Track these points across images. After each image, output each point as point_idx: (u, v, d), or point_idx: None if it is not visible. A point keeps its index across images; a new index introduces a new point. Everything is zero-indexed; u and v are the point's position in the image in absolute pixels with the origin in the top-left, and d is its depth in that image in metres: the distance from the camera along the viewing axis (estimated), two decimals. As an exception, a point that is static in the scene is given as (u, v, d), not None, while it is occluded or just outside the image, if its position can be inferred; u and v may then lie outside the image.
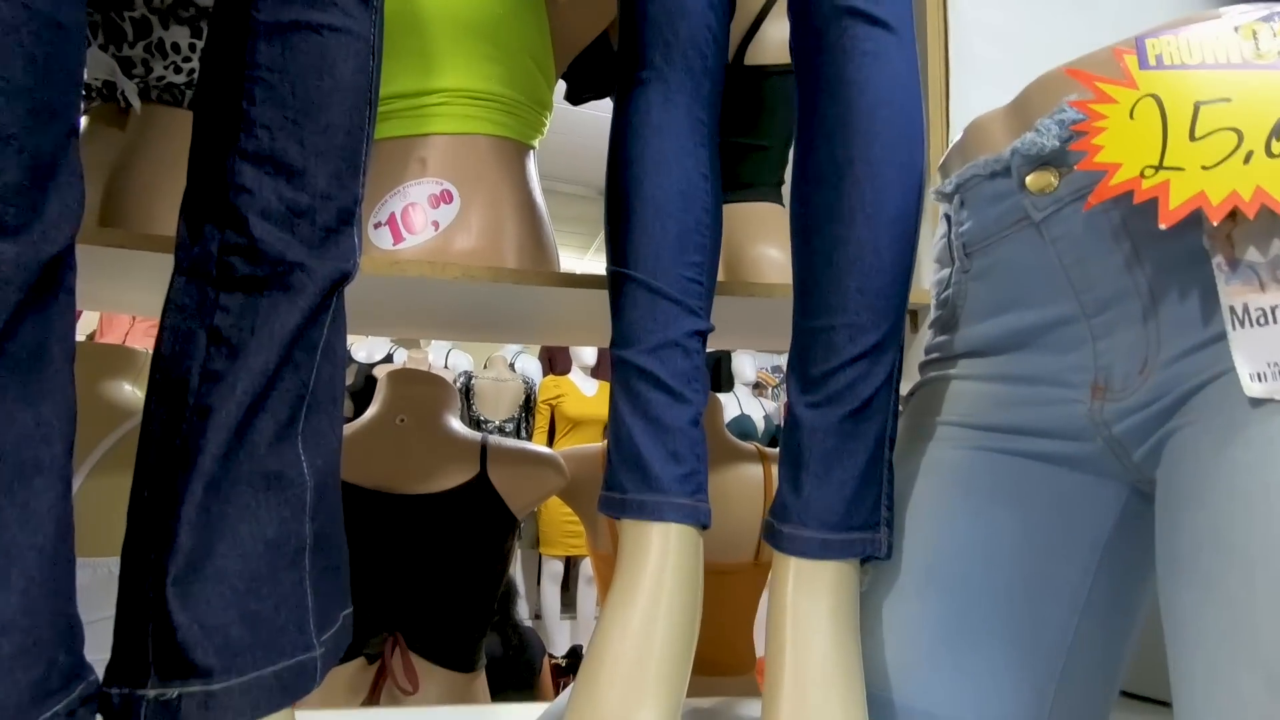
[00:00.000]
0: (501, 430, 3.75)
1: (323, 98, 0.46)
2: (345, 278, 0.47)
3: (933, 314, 0.64)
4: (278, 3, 0.45)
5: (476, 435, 0.92)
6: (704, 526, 0.56)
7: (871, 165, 0.54)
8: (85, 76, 0.81)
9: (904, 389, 0.59)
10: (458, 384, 3.61)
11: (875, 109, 0.54)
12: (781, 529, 0.52)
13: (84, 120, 0.80)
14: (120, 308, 1.18)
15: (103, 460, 0.77)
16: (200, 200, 0.45)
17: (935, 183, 0.65)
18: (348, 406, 3.17)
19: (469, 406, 3.69)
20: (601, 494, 0.59)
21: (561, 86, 1.03)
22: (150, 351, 0.47)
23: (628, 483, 0.56)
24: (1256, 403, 0.38)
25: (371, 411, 0.91)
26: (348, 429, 0.91)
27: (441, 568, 0.86)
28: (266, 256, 0.43)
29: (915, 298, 0.64)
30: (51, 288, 0.38)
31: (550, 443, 3.66)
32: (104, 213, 0.73)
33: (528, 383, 3.81)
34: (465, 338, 1.08)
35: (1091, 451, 0.50)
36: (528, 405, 3.82)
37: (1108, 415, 0.48)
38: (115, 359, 0.84)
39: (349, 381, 3.12)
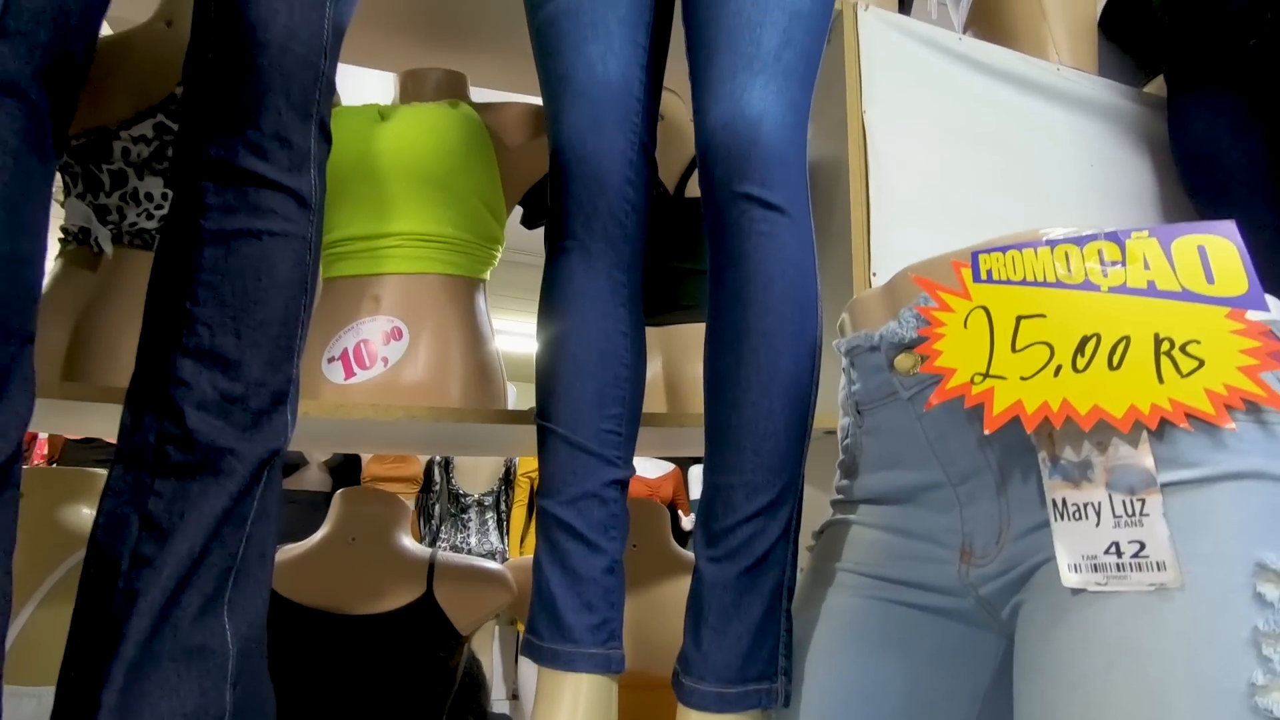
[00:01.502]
0: (481, 504, 3.74)
1: (260, 295, 0.51)
2: (276, 454, 0.52)
3: (840, 455, 0.69)
4: (222, 214, 0.51)
5: (425, 553, 0.95)
6: (616, 672, 0.59)
7: (765, 336, 0.60)
8: (63, 222, 0.87)
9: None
10: (437, 457, 3.61)
11: (769, 284, 0.61)
12: (684, 681, 0.56)
13: (58, 263, 0.85)
14: (76, 433, 1.21)
15: (53, 590, 0.79)
16: (143, 391, 0.50)
17: (848, 329, 0.71)
18: (323, 480, 3.16)
19: (449, 480, 3.69)
20: (524, 636, 0.62)
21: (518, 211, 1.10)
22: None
23: (544, 630, 0.59)
24: (1075, 590, 0.42)
25: (324, 530, 0.94)
26: (299, 547, 0.94)
27: (386, 687, 0.87)
28: (199, 445, 0.48)
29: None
30: None
31: (530, 515, 3.65)
32: (69, 357, 0.78)
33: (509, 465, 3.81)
34: (419, 453, 1.12)
35: (967, 608, 0.54)
36: (507, 478, 3.82)
37: (974, 578, 0.52)
38: (73, 483, 0.87)
39: (327, 458, 3.12)
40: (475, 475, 3.71)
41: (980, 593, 0.52)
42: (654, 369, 1.05)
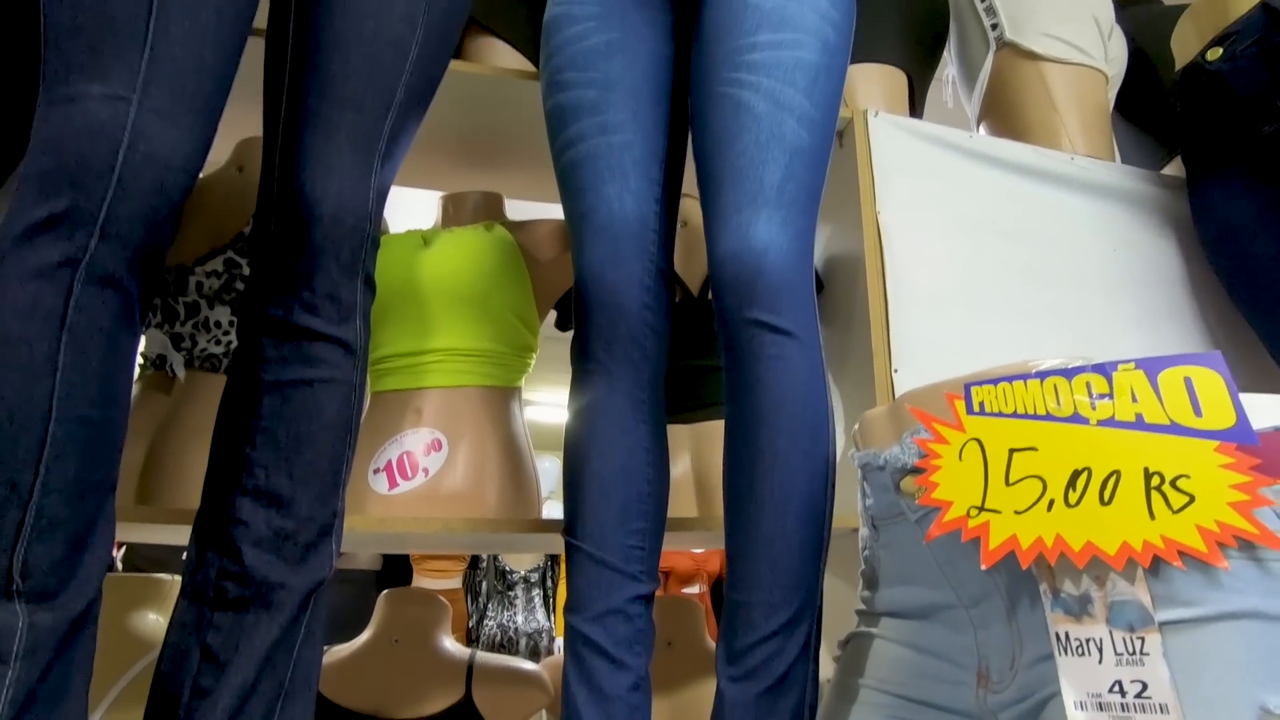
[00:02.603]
0: (527, 580, 3.74)
1: (311, 437, 0.57)
2: (322, 584, 0.56)
3: (862, 565, 0.71)
4: (279, 366, 0.57)
5: (465, 655, 0.97)
6: (643, 792, 0.60)
7: (779, 456, 0.63)
8: (142, 350, 0.97)
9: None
10: (483, 535, 3.63)
11: (780, 405, 0.64)
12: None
13: (137, 387, 0.95)
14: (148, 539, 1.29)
15: (120, 697, 0.84)
16: (207, 529, 0.55)
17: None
18: (374, 559, 3.21)
19: (495, 557, 3.71)
20: (555, 753, 0.64)
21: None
22: (177, 579, 0.55)
23: (572, 751, 0.61)
24: (1084, 728, 0.43)
25: (369, 633, 0.98)
26: (346, 649, 0.98)
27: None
28: (254, 580, 0.53)
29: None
30: (78, 633, 0.47)
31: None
32: (143, 476, 0.86)
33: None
34: (460, 552, 1.16)
35: None
36: (553, 554, 3.82)
37: (992, 704, 0.52)
38: (141, 590, 0.94)
39: (369, 565, 3.17)
40: (521, 552, 3.73)
41: (999, 718, 0.52)
42: (682, 466, 1.07)
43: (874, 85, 1.19)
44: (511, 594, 3.72)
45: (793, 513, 0.61)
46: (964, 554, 0.53)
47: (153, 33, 0.49)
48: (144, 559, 1.90)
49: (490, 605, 3.58)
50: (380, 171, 0.62)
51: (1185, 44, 1.15)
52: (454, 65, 1.03)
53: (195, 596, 0.53)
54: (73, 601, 0.46)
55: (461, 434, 0.90)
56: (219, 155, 1.05)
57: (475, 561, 3.71)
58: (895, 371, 0.98)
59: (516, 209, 1.16)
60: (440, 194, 1.15)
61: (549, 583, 3.70)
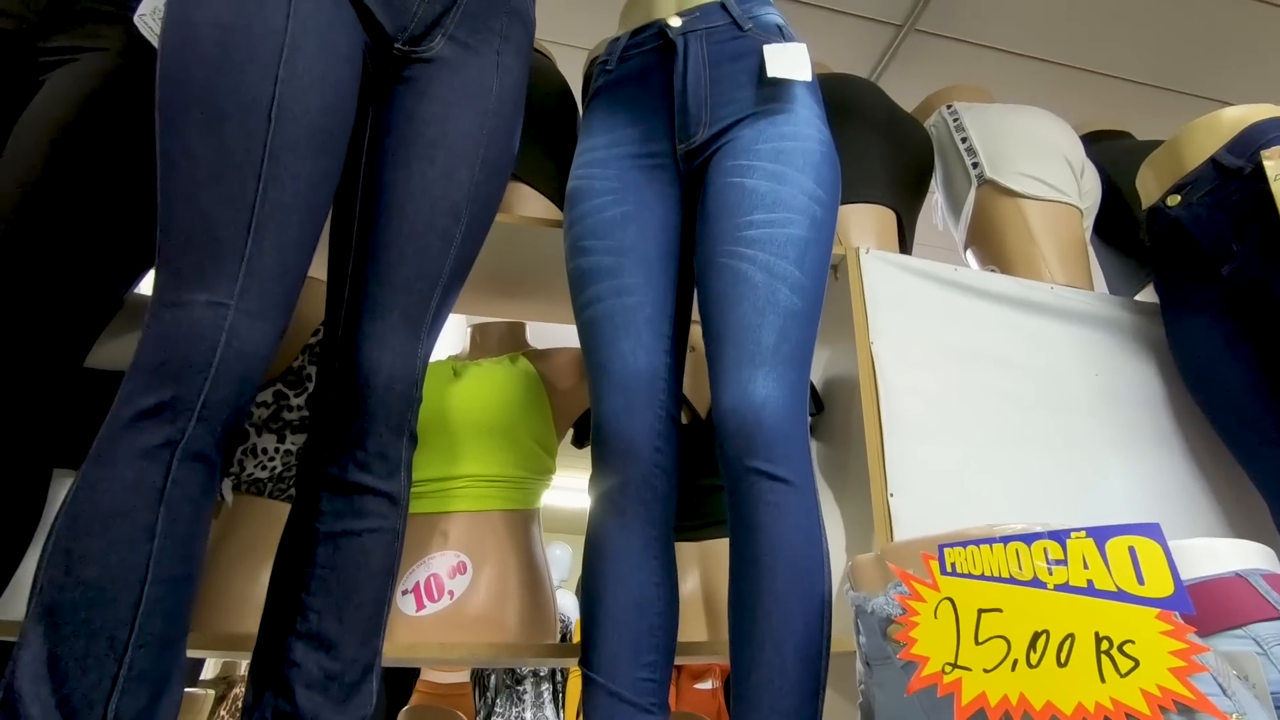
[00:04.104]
0: (536, 675, 3.68)
1: (359, 583, 0.64)
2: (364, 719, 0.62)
3: (860, 698, 0.75)
4: (333, 518, 0.65)
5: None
6: None
7: (777, 598, 0.69)
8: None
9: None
10: (493, 628, 3.59)
11: (777, 549, 0.70)
12: None
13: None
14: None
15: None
16: (264, 669, 0.62)
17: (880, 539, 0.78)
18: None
19: (505, 650, 3.65)
20: None
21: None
22: (210, 693, 0.60)
23: None
24: None
25: (389, 750, 1.02)
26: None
27: None
28: (305, 719, 0.59)
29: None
30: None
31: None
32: (191, 599, 0.92)
33: (563, 621, 3.79)
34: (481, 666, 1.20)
35: None
36: (564, 640, 3.76)
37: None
38: (186, 706, 0.98)
39: None
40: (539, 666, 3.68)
41: None
42: (691, 583, 1.13)
43: (865, 224, 1.30)
44: (520, 689, 3.65)
45: (791, 652, 0.66)
46: (945, 705, 0.59)
47: (249, 248, 0.59)
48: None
49: (499, 700, 3.51)
50: (426, 342, 0.72)
51: (1147, 188, 1.26)
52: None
53: (252, 734, 0.59)
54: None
55: (485, 556, 0.97)
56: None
57: (484, 655, 3.65)
58: (891, 496, 1.05)
59: (539, 332, 1.27)
60: (469, 321, 1.26)
61: (558, 677, 3.64)
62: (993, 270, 1.35)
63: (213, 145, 0.59)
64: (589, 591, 0.78)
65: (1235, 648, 0.65)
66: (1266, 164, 1.04)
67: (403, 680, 2.48)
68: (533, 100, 0.90)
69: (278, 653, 0.61)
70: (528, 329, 1.24)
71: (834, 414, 1.23)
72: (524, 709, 3.70)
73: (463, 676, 3.74)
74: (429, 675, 3.46)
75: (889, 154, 1.36)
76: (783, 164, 0.82)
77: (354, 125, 0.70)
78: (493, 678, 3.82)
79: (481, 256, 1.24)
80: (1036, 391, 1.20)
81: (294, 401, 1.04)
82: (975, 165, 1.42)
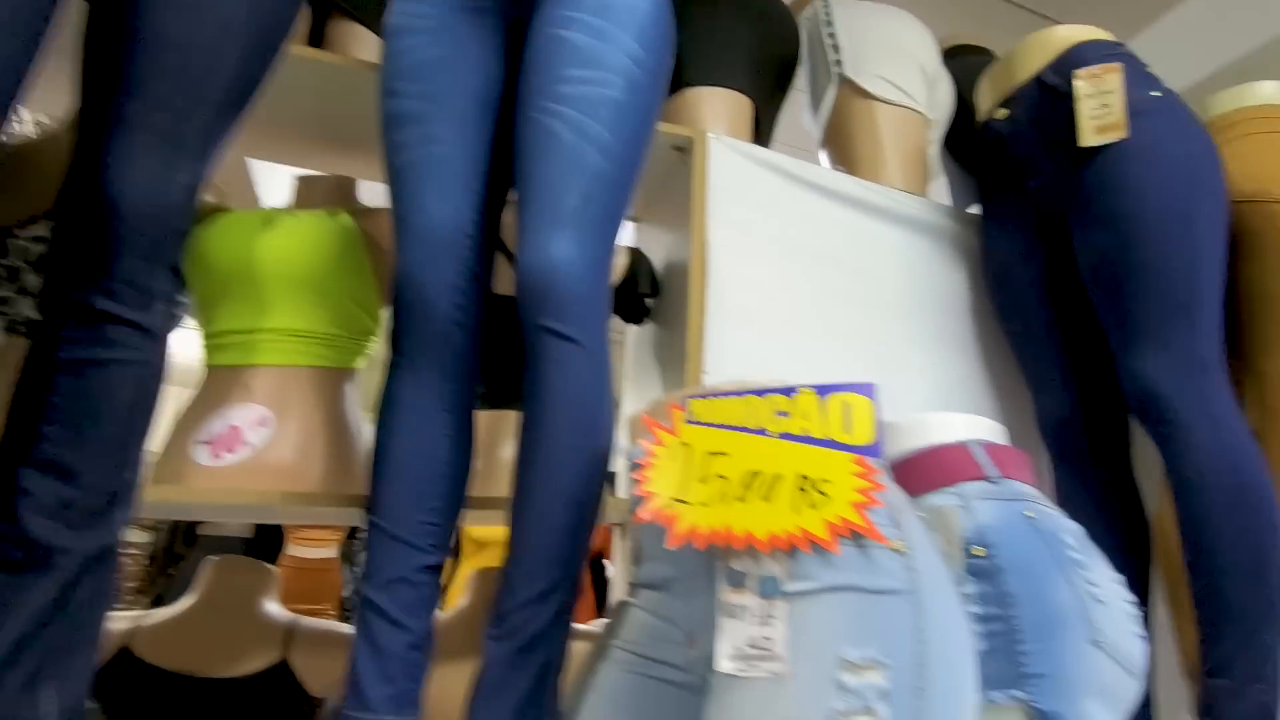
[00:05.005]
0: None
1: (103, 413, 0.61)
2: (107, 550, 0.61)
3: (630, 544, 0.81)
4: (77, 347, 0.61)
5: (287, 619, 1.02)
6: (413, 739, 0.69)
7: (553, 449, 0.72)
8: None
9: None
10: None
11: (560, 408, 0.73)
12: (459, 746, 0.66)
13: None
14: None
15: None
16: None
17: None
18: (246, 526, 3.14)
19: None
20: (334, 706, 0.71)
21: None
22: None
23: (348, 701, 0.69)
24: (728, 674, 0.54)
25: (188, 598, 1.02)
26: (165, 613, 1.01)
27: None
28: (32, 543, 0.57)
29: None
30: None
31: (455, 563, 3.66)
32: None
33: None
34: (289, 523, 1.20)
35: (696, 682, 0.65)
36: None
37: (694, 660, 0.63)
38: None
39: (239, 533, 3.10)
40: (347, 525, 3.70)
41: (701, 672, 0.63)
42: (511, 450, 1.15)
43: (719, 108, 1.29)
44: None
45: (560, 501, 0.70)
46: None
47: None
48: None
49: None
50: (190, 168, 0.66)
51: (983, 100, 1.31)
52: (316, 54, 1.06)
53: (-28, 557, 0.57)
54: None
55: (290, 412, 0.95)
56: (57, 113, 1.03)
57: (354, 531, 3.67)
58: (705, 374, 1.10)
59: (375, 192, 1.20)
60: (296, 174, 1.18)
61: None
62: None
63: None
64: (378, 444, 0.78)
65: (945, 502, 0.74)
66: (1076, 84, 1.10)
67: (268, 558, 2.46)
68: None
69: (8, 482, 0.58)
70: (360, 187, 1.17)
71: (671, 298, 1.26)
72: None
73: (330, 552, 3.73)
74: (294, 550, 3.43)
75: (753, 42, 1.34)
76: (607, 19, 0.79)
77: None
78: (362, 554, 3.84)
79: (308, 102, 1.15)
80: (857, 290, 1.27)
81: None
82: (838, 62, 1.43)
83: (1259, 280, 1.09)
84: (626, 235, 1.50)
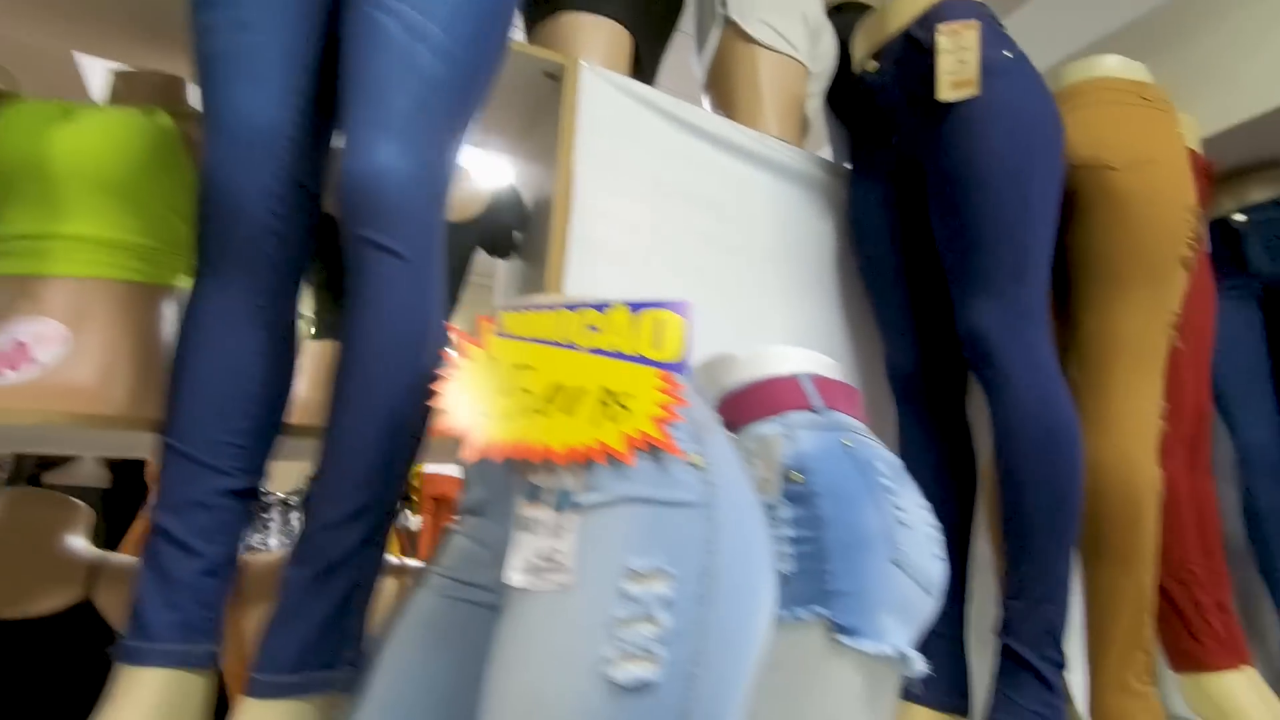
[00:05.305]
0: (286, 504, 3.59)
1: None
2: None
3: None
4: None
5: (92, 557, 0.94)
6: (200, 668, 0.64)
7: (369, 367, 0.67)
8: None
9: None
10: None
11: (379, 324, 0.68)
12: (248, 673, 0.62)
13: None
14: None
15: None
16: None
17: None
18: (100, 475, 2.90)
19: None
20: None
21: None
22: None
23: (128, 629, 0.63)
24: (518, 587, 0.53)
25: (-23, 533, 0.91)
26: (-53, 550, 0.90)
27: (43, 691, 0.87)
28: None
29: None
30: None
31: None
32: None
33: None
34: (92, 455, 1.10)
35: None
36: (318, 478, 3.67)
37: (499, 580, 0.62)
38: None
39: (94, 482, 2.87)
40: (279, 474, 3.55)
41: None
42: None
43: (596, 39, 1.25)
44: (266, 516, 3.55)
45: (372, 419, 0.66)
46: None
47: None
48: None
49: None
50: None
51: (857, 51, 1.33)
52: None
53: None
54: None
55: (90, 329, 0.85)
56: None
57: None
58: (564, 309, 1.07)
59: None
60: (114, 68, 1.05)
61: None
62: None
63: None
64: (177, 359, 0.71)
65: (770, 430, 0.75)
66: (938, 38, 1.12)
67: (130, 511, 2.28)
68: None
69: None
70: (189, 88, 1.06)
71: (539, 234, 1.22)
72: (268, 535, 3.61)
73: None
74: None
75: (638, -30, 1.29)
76: None
77: None
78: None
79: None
80: (725, 234, 1.27)
81: None
82: (723, 3, 1.41)
83: (1086, 240, 1.17)
84: (505, 170, 1.45)
